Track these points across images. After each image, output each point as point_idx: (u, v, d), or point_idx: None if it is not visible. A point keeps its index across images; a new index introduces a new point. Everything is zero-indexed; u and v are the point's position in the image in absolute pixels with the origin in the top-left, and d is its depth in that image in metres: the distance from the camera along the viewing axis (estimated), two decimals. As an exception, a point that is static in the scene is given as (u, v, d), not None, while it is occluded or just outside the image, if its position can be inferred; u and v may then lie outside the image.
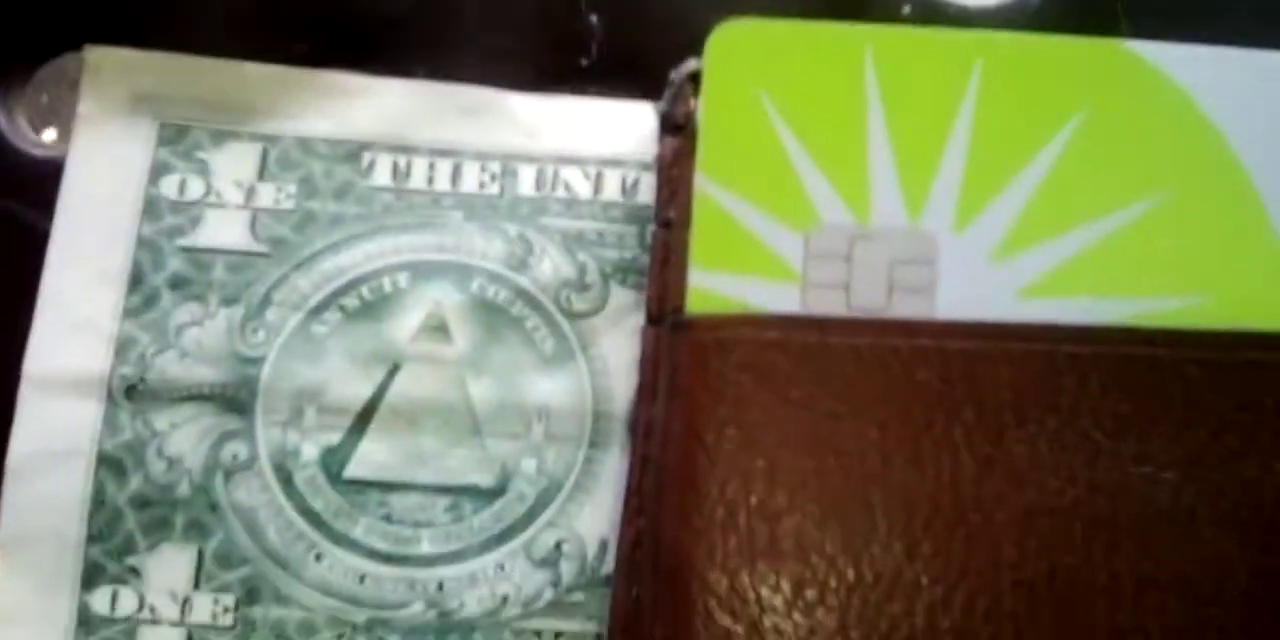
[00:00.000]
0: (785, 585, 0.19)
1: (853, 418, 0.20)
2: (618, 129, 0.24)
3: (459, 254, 0.23)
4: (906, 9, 0.26)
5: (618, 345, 0.23)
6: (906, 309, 0.21)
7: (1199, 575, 0.19)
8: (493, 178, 0.24)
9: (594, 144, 0.24)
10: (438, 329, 0.23)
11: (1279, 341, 0.20)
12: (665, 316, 0.21)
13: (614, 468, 0.22)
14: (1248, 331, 0.20)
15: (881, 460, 0.20)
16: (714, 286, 0.21)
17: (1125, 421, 0.20)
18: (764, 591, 0.19)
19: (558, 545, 0.22)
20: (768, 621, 0.19)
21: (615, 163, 0.24)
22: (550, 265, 0.23)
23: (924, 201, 0.21)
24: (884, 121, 0.22)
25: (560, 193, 0.24)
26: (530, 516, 0.22)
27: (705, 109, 0.22)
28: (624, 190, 0.24)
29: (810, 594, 0.19)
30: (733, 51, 0.22)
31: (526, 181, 0.24)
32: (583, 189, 0.24)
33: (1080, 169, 0.21)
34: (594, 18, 0.26)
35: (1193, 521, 0.20)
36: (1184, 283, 0.21)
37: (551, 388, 0.23)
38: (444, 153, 0.24)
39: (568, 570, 0.22)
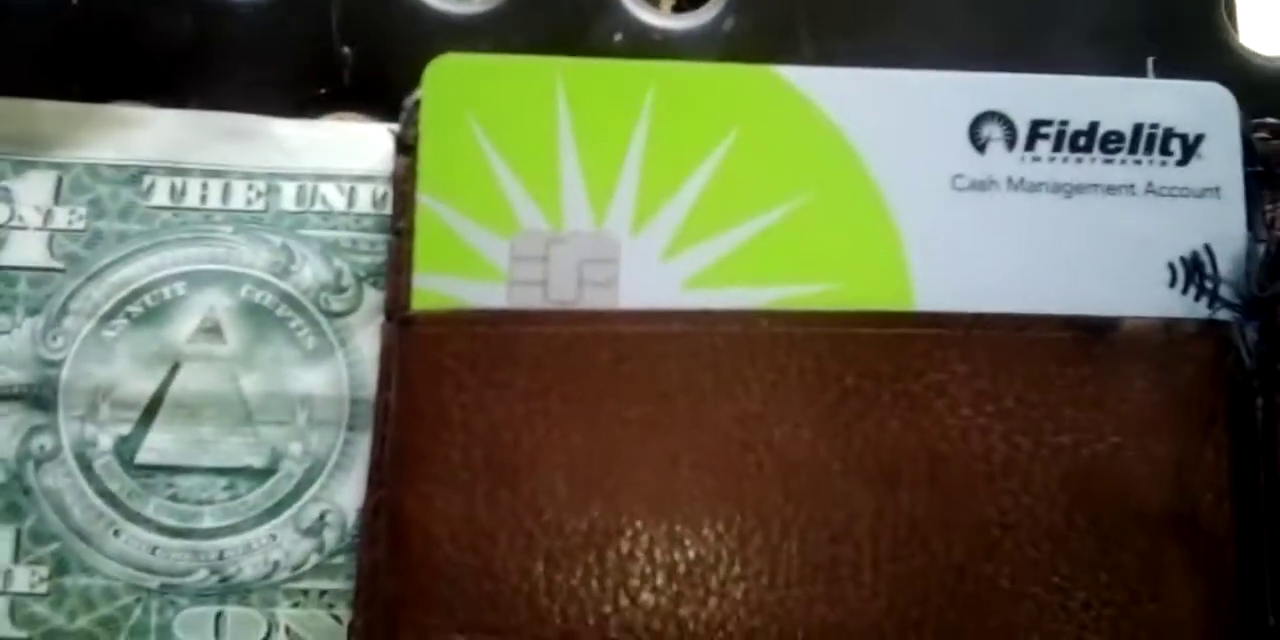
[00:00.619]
0: (495, 539, 0.24)
1: (543, 395, 0.24)
2: (368, 149, 0.28)
3: (229, 264, 0.27)
4: (618, 37, 0.30)
5: (370, 340, 0.27)
6: (594, 301, 0.25)
7: (832, 516, 0.24)
8: (258, 195, 0.28)
9: (348, 162, 0.28)
10: (212, 331, 0.27)
11: (893, 319, 0.25)
12: (398, 314, 0.26)
13: (368, 447, 0.26)
14: (868, 311, 0.25)
15: (564, 429, 0.24)
16: (434, 287, 0.25)
17: (770, 387, 0.25)
18: (482, 544, 0.24)
19: (321, 516, 0.26)
20: (486, 572, 0.23)
21: (367, 178, 0.28)
22: (310, 271, 0.27)
23: (607, 209, 0.25)
24: (574, 141, 0.26)
25: (319, 206, 0.28)
26: (298, 492, 0.26)
27: (423, 132, 0.26)
28: (374, 203, 0.28)
29: (519, 543, 0.24)
30: (447, 82, 0.26)
31: (288, 197, 0.28)
32: (338, 202, 0.28)
33: (735, 178, 0.26)
34: (346, 49, 0.30)
35: (826, 472, 0.24)
36: (819, 272, 0.25)
37: (313, 379, 0.27)
38: (215, 173, 0.28)
39: (330, 538, 0.26)
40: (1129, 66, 0.30)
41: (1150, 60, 0.29)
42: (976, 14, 0.30)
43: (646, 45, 0.29)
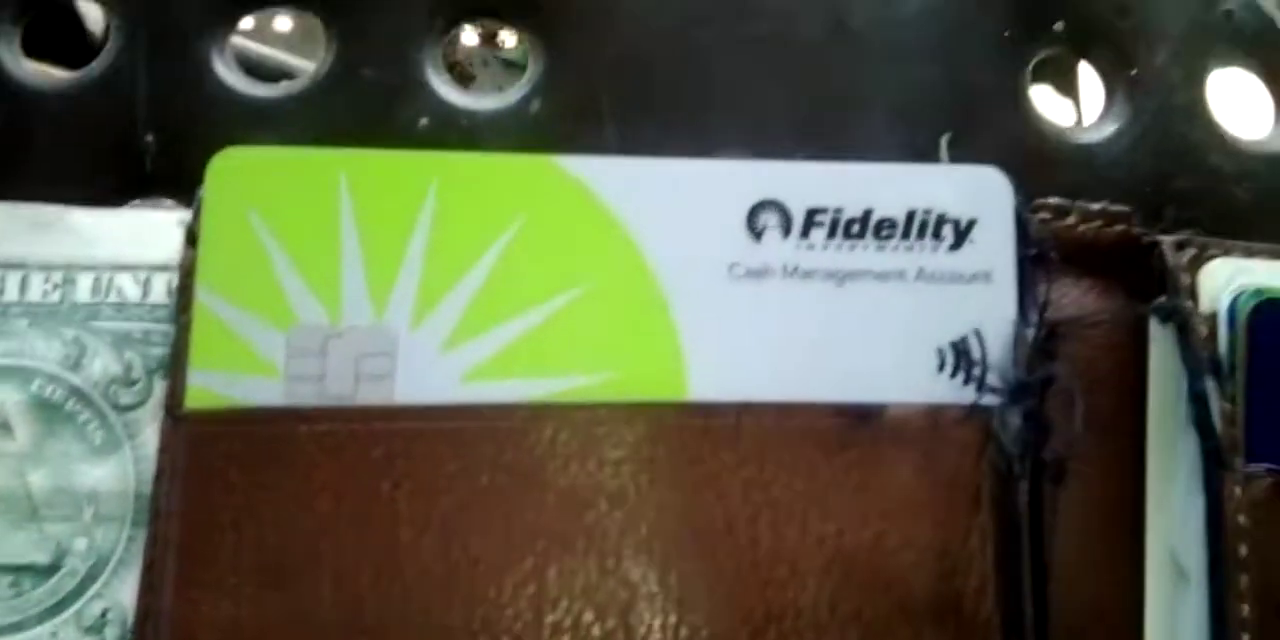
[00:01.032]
0: None
1: (315, 496, 0.25)
2: (164, 238, 0.28)
3: (22, 358, 0.27)
4: (424, 121, 0.30)
5: (157, 434, 0.27)
6: (370, 396, 0.25)
7: (604, 606, 0.24)
8: (55, 287, 0.28)
9: (145, 252, 0.28)
10: (2, 427, 0.27)
11: (664, 409, 0.25)
12: (175, 410, 0.26)
13: (152, 545, 0.26)
14: (639, 402, 0.25)
15: (335, 531, 0.24)
16: (208, 384, 0.25)
17: (542, 483, 0.25)
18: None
19: (104, 613, 0.26)
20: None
21: (163, 268, 0.28)
22: (100, 364, 0.27)
23: (387, 302, 0.26)
24: (356, 234, 0.26)
25: (113, 297, 0.28)
26: (81, 589, 0.26)
27: (203, 225, 0.26)
28: (169, 293, 0.28)
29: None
30: (228, 176, 0.26)
31: (84, 288, 0.28)
32: (133, 293, 0.28)
33: (516, 269, 0.26)
34: (150, 137, 0.30)
35: (599, 564, 0.25)
36: (596, 363, 0.26)
37: (100, 474, 0.27)
38: (14, 266, 0.28)
39: (111, 635, 0.26)
40: (927, 145, 0.30)
41: (944, 139, 0.29)
42: (779, 96, 0.30)
43: (453, 129, 0.30)
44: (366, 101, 0.29)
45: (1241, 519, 0.25)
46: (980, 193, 0.26)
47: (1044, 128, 0.30)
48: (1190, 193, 0.31)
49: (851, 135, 0.30)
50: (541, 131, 0.29)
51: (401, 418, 0.24)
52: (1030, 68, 0.31)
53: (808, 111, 0.30)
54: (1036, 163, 0.30)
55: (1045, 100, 0.42)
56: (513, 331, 0.25)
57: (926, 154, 0.30)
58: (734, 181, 0.26)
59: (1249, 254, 0.27)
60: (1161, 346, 0.26)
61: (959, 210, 0.26)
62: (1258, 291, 0.26)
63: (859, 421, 0.25)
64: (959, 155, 0.29)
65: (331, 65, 0.29)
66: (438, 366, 0.25)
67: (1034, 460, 0.25)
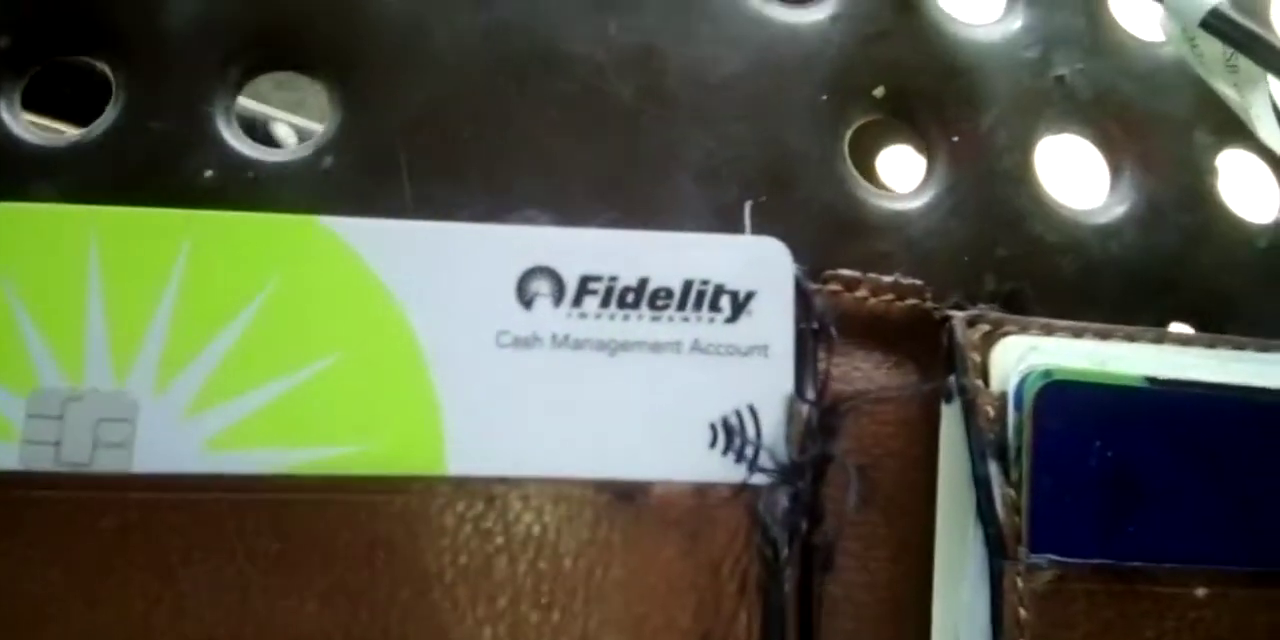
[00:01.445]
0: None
1: (46, 566, 0.23)
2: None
3: None
4: (209, 173, 0.29)
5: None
6: (107, 463, 0.24)
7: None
8: None
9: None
10: None
11: (411, 484, 0.24)
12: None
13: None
14: (385, 477, 0.24)
15: (64, 605, 0.23)
16: (-62, 449, 0.24)
17: (276, 560, 0.23)
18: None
19: None
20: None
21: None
22: None
23: (130, 366, 0.24)
24: (102, 295, 0.25)
25: None
26: None
27: (-50, 285, 0.25)
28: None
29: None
30: (-22, 232, 0.25)
31: None
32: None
33: (268, 333, 0.25)
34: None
35: (351, 634, 0.23)
36: (350, 434, 0.24)
37: None
38: None
39: None
40: (734, 210, 0.29)
41: (747, 205, 0.28)
42: (584, 156, 0.29)
43: (237, 182, 0.28)
44: (152, 150, 0.28)
45: (1023, 612, 0.23)
46: (760, 264, 0.25)
47: (858, 194, 0.29)
48: (1011, 262, 0.30)
49: (657, 198, 0.29)
50: (333, 188, 0.28)
51: (137, 487, 0.23)
52: (848, 133, 0.30)
53: (613, 172, 0.29)
54: (849, 230, 0.29)
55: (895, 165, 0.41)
56: (262, 398, 0.24)
57: (733, 220, 0.29)
58: (505, 247, 0.25)
59: (1047, 332, 0.26)
60: (952, 426, 0.25)
61: (738, 281, 0.25)
62: (1046, 372, 0.25)
63: (622, 499, 0.24)
64: (766, 222, 0.28)
65: (118, 116, 0.28)
66: (180, 434, 0.24)
67: (799, 543, 0.24)
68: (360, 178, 0.28)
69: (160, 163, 0.28)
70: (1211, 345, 0.26)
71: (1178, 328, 0.31)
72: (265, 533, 0.23)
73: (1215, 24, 0.28)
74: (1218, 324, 0.31)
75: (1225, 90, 0.31)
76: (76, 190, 0.28)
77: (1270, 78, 0.29)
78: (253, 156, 0.29)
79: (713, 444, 0.24)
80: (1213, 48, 0.29)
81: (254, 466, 0.24)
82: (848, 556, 0.25)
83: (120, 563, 0.23)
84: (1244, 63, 0.29)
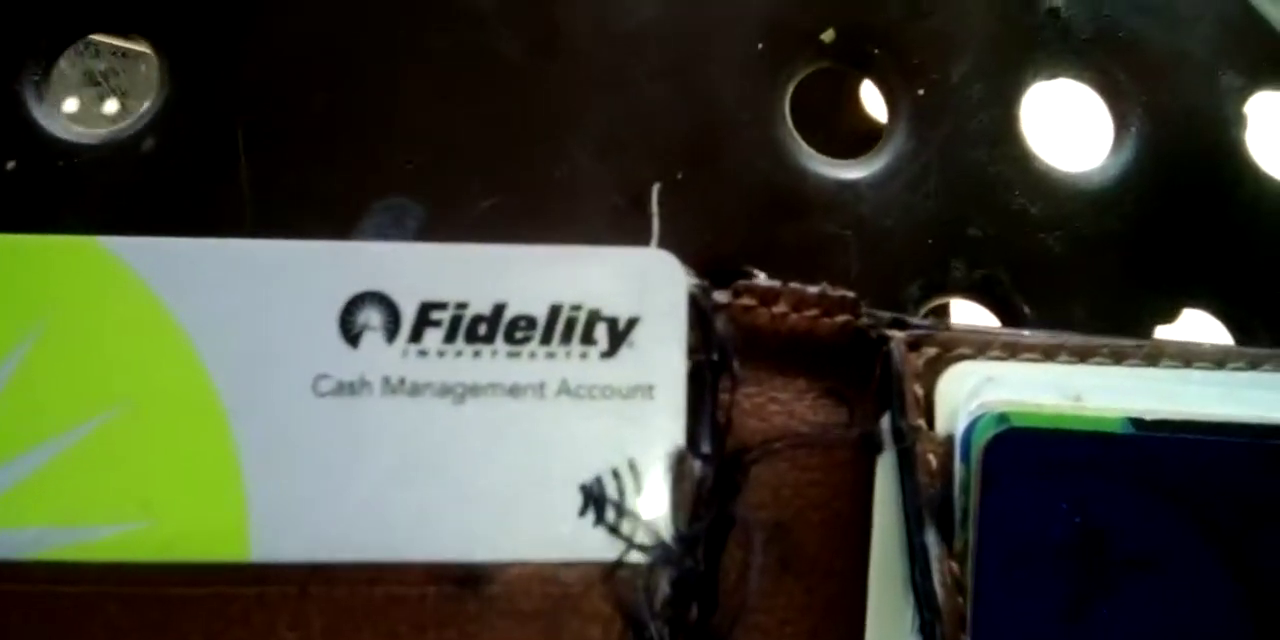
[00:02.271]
0: None
1: None
2: None
3: None
4: (10, 165, 0.24)
5: None
6: None
7: None
8: None
9: None
10: None
11: (205, 574, 0.19)
12: None
13: None
14: (176, 563, 0.19)
15: None
16: None
17: (45, 664, 0.19)
18: None
19: None
20: None
21: None
22: None
23: (-124, 427, 0.19)
24: None
25: None
26: None
27: None
28: None
29: None
30: None
31: None
32: None
33: (40, 382, 0.20)
34: None
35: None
36: (132, 508, 0.19)
37: None
38: None
39: None
40: (646, 188, 0.23)
41: (655, 188, 0.23)
42: (465, 127, 0.23)
43: (45, 173, 0.23)
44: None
45: (962, 713, 0.18)
46: (646, 282, 0.19)
47: (799, 164, 0.23)
48: (986, 243, 0.24)
49: (551, 178, 0.23)
50: (158, 175, 0.22)
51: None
52: (790, 87, 0.24)
53: (497, 148, 0.23)
54: (787, 209, 0.23)
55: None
56: (29, 465, 0.19)
57: (645, 202, 0.23)
58: (325, 269, 0.19)
59: (1010, 352, 0.20)
60: (888, 475, 0.20)
61: (617, 306, 0.19)
62: (1001, 416, 0.19)
63: (464, 587, 0.19)
64: (684, 202, 0.23)
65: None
66: (-65, 509, 0.19)
67: (693, 636, 0.18)
68: (188, 162, 0.23)
69: (-46, 153, 0.23)
70: (1220, 363, 0.20)
71: (1195, 317, 0.25)
72: (36, 633, 0.18)
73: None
74: (1242, 311, 0.25)
75: (1272, 12, 0.24)
76: None
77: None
78: (64, 140, 0.23)
79: (582, 512, 0.19)
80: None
81: (20, 550, 0.19)
82: (759, 633, 0.20)
83: None
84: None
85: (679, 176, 0.24)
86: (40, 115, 0.24)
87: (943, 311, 0.29)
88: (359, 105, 0.24)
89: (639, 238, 0.22)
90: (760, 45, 0.24)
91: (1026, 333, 0.21)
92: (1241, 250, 0.25)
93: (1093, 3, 0.25)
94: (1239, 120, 0.26)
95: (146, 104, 0.24)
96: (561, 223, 0.23)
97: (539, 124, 0.24)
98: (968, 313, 0.25)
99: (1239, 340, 0.25)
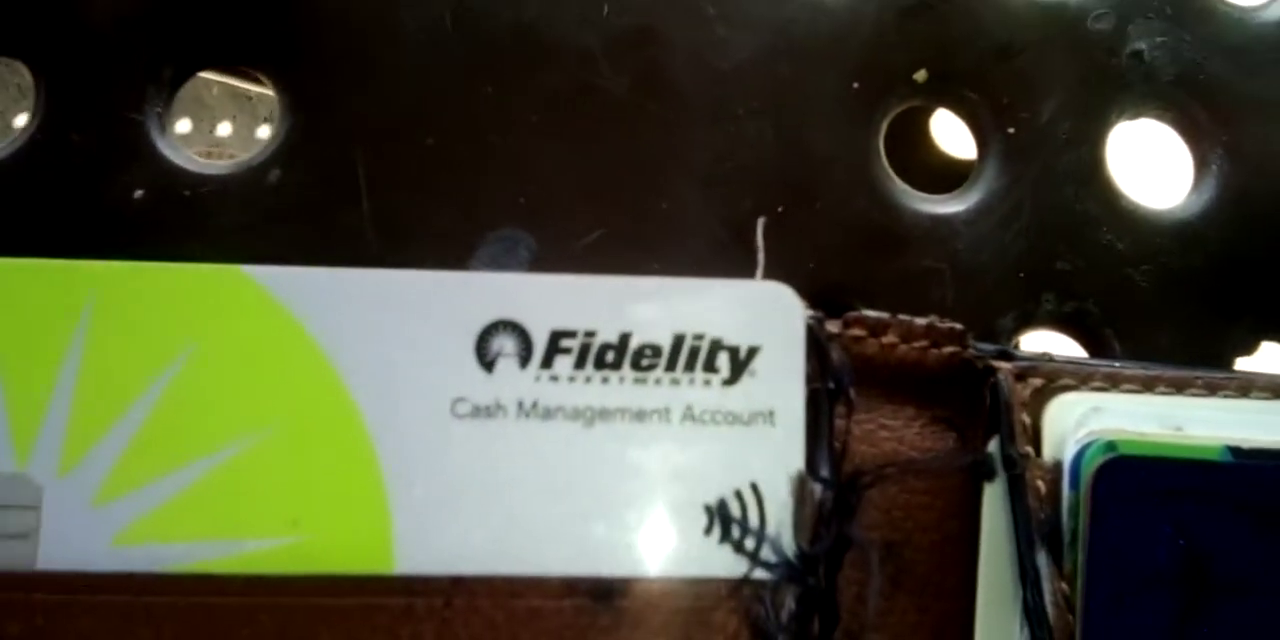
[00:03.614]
0: None
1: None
2: None
3: None
4: (139, 194, 0.25)
5: None
6: (10, 558, 0.21)
7: None
8: None
9: None
10: None
11: (355, 586, 0.20)
12: None
13: None
14: (324, 575, 0.21)
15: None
16: None
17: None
18: None
19: None
20: None
21: None
22: None
23: (31, 444, 0.21)
24: (-2, 362, 0.21)
25: None
26: None
27: None
28: None
29: None
30: None
31: None
32: None
33: (187, 405, 0.21)
34: None
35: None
36: (280, 524, 0.21)
37: None
38: None
39: None
40: (747, 223, 0.25)
41: (760, 222, 0.24)
42: (571, 164, 0.25)
43: (173, 203, 0.25)
44: (74, 171, 0.24)
45: (1071, 729, 0.20)
46: (765, 313, 0.21)
47: (895, 199, 0.25)
48: (1075, 277, 0.26)
49: (656, 211, 0.25)
50: (280, 207, 0.24)
51: (41, 586, 0.20)
52: (884, 125, 0.26)
53: (604, 182, 0.25)
54: (884, 244, 0.25)
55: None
56: (179, 483, 0.21)
57: (747, 235, 0.25)
58: (462, 299, 0.21)
59: (1112, 382, 0.22)
60: (996, 500, 0.21)
61: (738, 335, 0.21)
62: (1109, 444, 0.20)
63: (598, 600, 0.20)
64: (784, 236, 0.24)
65: (37, 128, 0.24)
66: (88, 524, 0.21)
67: None
68: (312, 194, 0.25)
69: (85, 182, 0.25)
70: (1312, 393, 0.22)
71: (1274, 349, 0.27)
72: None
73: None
74: (1319, 344, 0.26)
75: None
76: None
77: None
78: (190, 170, 0.25)
79: (708, 531, 0.21)
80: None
81: (173, 562, 0.20)
82: (872, 649, 0.21)
83: (27, 672, 0.20)
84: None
85: (780, 210, 0.25)
86: (163, 146, 0.25)
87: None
88: (473, 141, 0.25)
89: (741, 269, 0.23)
90: (855, 84, 0.26)
91: (1120, 364, 0.22)
92: (1320, 286, 0.27)
93: (1175, 46, 0.27)
94: (1316, 159, 0.27)
95: (267, 136, 0.25)
96: (666, 254, 0.25)
97: (643, 159, 0.26)
98: (1055, 345, 0.27)
99: (1318, 373, 0.26)
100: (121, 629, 0.20)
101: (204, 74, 0.32)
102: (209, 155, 0.48)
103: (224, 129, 0.48)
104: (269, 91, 0.29)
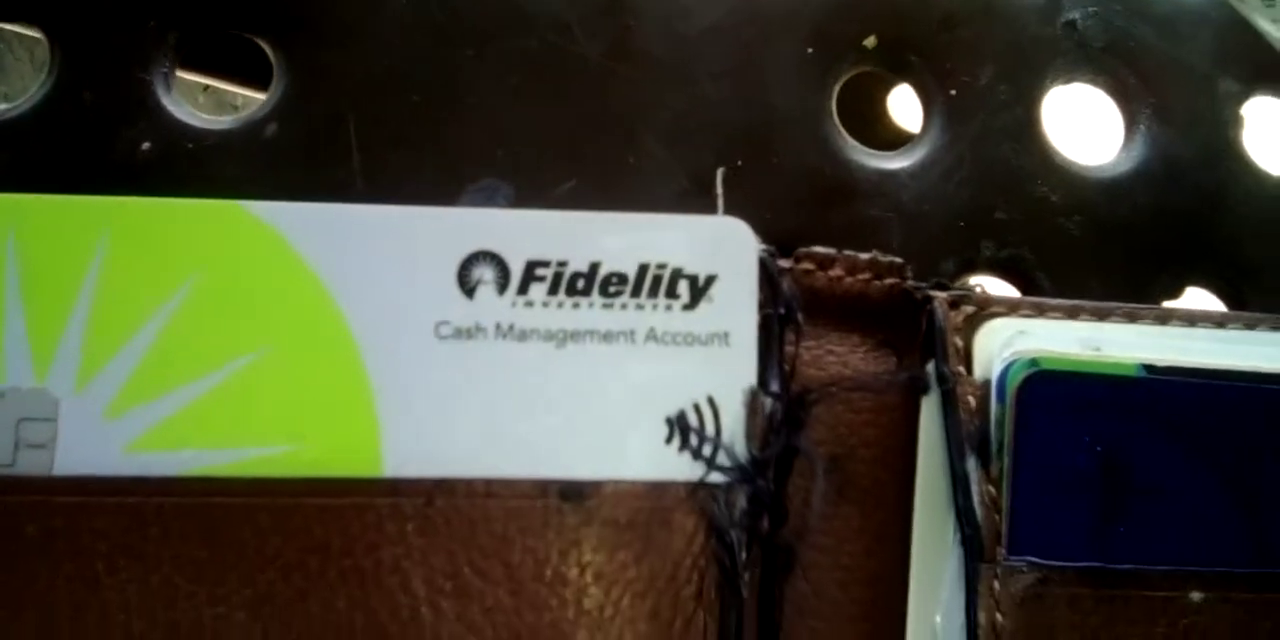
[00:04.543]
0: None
1: (-37, 574, 0.23)
2: None
3: None
4: (146, 146, 0.28)
5: None
6: (29, 465, 0.23)
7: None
8: None
9: None
10: None
11: (345, 487, 0.23)
12: None
13: None
14: (316, 479, 0.23)
15: (-19, 614, 0.22)
16: None
17: (202, 566, 0.23)
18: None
19: None
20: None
21: None
22: None
23: (50, 362, 0.24)
24: (19, 288, 0.24)
25: None
26: None
27: None
28: None
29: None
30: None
31: None
32: None
33: (193, 327, 0.24)
34: None
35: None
36: (280, 433, 0.23)
37: None
38: None
39: None
40: (710, 174, 0.27)
41: (719, 172, 0.27)
42: (546, 120, 0.28)
43: (177, 154, 0.27)
44: (87, 126, 0.27)
45: (1000, 618, 0.22)
46: (722, 245, 0.24)
47: (845, 155, 0.28)
48: (1012, 226, 0.28)
49: (624, 164, 0.27)
50: (276, 158, 0.27)
51: (59, 490, 0.23)
52: (836, 87, 0.28)
53: (576, 137, 0.27)
54: (835, 195, 0.28)
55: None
56: (186, 397, 0.23)
57: (708, 186, 0.27)
58: (445, 231, 0.24)
59: (1038, 311, 0.24)
60: (931, 415, 0.24)
61: (697, 265, 0.24)
62: (1032, 361, 0.23)
63: (570, 500, 0.23)
64: (743, 188, 0.27)
65: (51, 88, 0.27)
66: (102, 434, 0.23)
67: (765, 545, 0.22)
68: (306, 148, 0.27)
69: (96, 136, 0.27)
70: (1221, 324, 0.25)
71: (1196, 295, 0.29)
72: (192, 539, 0.22)
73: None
74: (1239, 290, 0.29)
75: (1265, 26, 0.29)
76: (6, 168, 0.27)
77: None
78: (193, 125, 0.27)
79: (669, 440, 0.23)
80: (1252, -19, 0.27)
81: (179, 468, 0.23)
82: (819, 551, 0.24)
83: (45, 570, 0.22)
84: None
85: (739, 164, 0.28)
86: (169, 103, 0.28)
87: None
88: (455, 100, 0.28)
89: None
90: (810, 50, 0.29)
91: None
92: (1237, 236, 0.30)
93: (1106, 15, 0.30)
94: (1236, 121, 0.30)
95: (266, 94, 0.28)
96: (633, 203, 0.28)
97: (613, 116, 0.28)
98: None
99: (1236, 315, 0.29)
100: (132, 528, 0.23)
101: (192, 78, 0.35)
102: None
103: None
104: (256, 95, 0.32)
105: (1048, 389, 0.23)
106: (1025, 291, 0.28)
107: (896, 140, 0.30)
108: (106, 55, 0.27)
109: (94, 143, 0.27)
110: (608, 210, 0.25)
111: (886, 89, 0.40)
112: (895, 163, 0.28)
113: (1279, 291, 0.29)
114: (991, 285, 0.29)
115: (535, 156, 0.27)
